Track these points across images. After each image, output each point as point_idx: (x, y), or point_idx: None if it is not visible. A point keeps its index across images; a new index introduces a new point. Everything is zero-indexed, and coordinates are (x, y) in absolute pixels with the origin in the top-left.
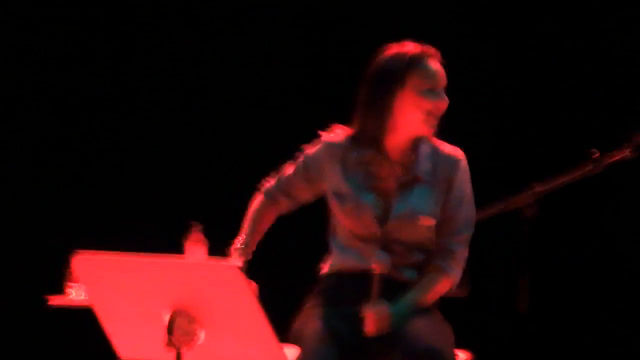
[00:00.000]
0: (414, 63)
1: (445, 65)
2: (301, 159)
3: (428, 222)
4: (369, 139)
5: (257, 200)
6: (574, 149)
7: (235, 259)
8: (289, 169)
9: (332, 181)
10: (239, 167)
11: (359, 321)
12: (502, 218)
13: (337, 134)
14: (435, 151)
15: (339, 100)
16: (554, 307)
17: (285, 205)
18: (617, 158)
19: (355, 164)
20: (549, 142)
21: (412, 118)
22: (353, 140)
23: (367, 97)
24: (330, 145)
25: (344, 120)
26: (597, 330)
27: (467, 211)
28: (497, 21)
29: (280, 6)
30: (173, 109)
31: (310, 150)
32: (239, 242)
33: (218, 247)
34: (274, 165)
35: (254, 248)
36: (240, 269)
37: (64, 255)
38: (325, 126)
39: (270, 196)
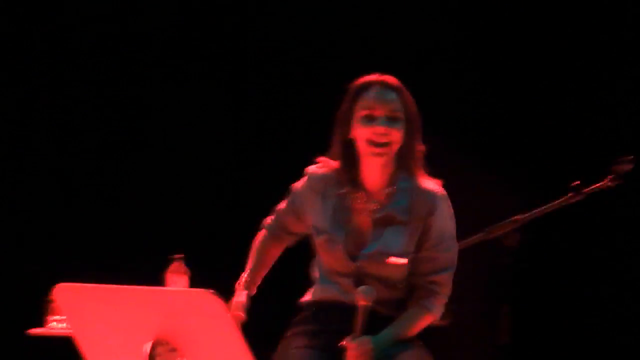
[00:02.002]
0: (358, 93)
1: (412, 94)
2: (290, 194)
3: (398, 262)
4: (347, 172)
5: (259, 236)
6: (556, 180)
7: (239, 294)
8: (282, 205)
9: (313, 214)
10: (221, 199)
11: (338, 352)
12: (484, 247)
13: (321, 167)
14: (415, 187)
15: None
16: (535, 336)
17: (286, 239)
18: (597, 187)
19: (333, 198)
20: (532, 171)
21: (361, 148)
22: (335, 174)
23: (334, 132)
24: (313, 179)
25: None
26: None
27: (448, 249)
28: (478, 54)
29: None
30: (154, 141)
31: (297, 184)
32: (243, 278)
33: (200, 278)
34: (256, 199)
35: (258, 283)
36: (243, 305)
37: (46, 285)
38: (312, 160)
39: (271, 231)
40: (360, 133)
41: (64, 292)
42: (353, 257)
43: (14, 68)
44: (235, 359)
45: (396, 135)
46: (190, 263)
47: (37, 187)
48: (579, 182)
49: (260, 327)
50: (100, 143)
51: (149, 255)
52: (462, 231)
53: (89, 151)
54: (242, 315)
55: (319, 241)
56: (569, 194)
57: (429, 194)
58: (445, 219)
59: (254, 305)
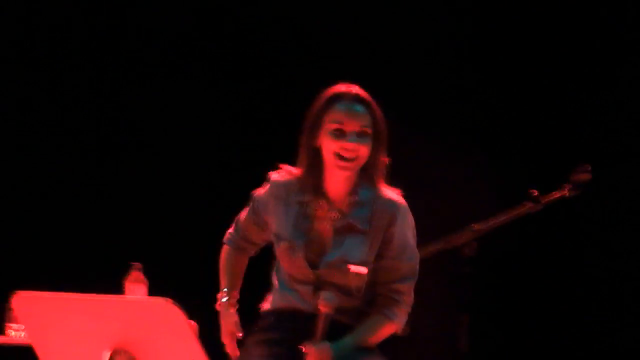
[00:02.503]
0: (328, 104)
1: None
2: (251, 202)
3: (358, 270)
4: (311, 180)
5: (224, 252)
6: (514, 189)
7: (228, 314)
8: (243, 214)
9: (274, 221)
10: (179, 207)
11: (297, 359)
12: (442, 256)
13: (284, 174)
14: (376, 197)
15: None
16: (494, 346)
17: (250, 250)
18: (556, 197)
19: (295, 205)
20: (491, 181)
21: (326, 159)
22: (298, 181)
23: (301, 139)
24: (275, 185)
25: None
26: None
27: (409, 259)
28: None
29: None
30: (115, 147)
31: (259, 191)
32: (221, 297)
33: (158, 287)
34: (215, 207)
35: (238, 297)
36: (237, 322)
37: (4, 294)
38: (273, 167)
39: (233, 245)
40: (328, 145)
41: (22, 301)
42: (313, 265)
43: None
44: None
45: (364, 151)
46: (148, 272)
47: None
48: (536, 191)
49: (218, 335)
50: (60, 149)
51: (108, 264)
52: (420, 239)
53: (48, 158)
54: (240, 333)
55: (279, 248)
56: (527, 203)
57: (390, 204)
58: (406, 229)
59: (212, 312)
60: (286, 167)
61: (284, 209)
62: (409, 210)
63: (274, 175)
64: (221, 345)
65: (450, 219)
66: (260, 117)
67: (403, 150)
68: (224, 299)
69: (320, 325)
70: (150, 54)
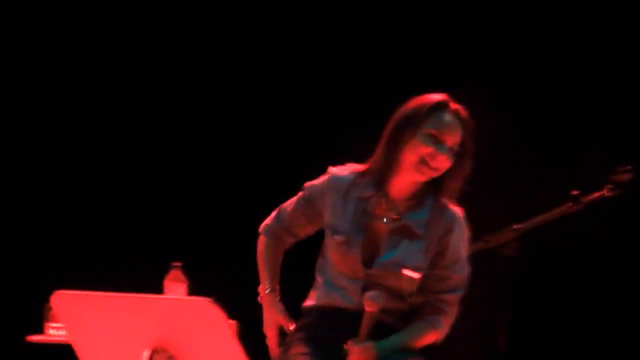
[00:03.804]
0: (433, 110)
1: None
2: (303, 193)
3: (412, 275)
4: (375, 177)
5: (261, 243)
6: (556, 189)
7: (274, 308)
8: (289, 205)
9: (331, 213)
10: (221, 208)
11: (341, 358)
12: (483, 256)
13: (346, 169)
14: (437, 206)
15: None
16: (534, 344)
17: (288, 242)
18: (596, 196)
19: (354, 200)
20: (531, 182)
21: (408, 159)
22: (360, 177)
23: (384, 139)
24: (336, 179)
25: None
26: None
27: (461, 271)
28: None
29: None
30: (150, 147)
31: (315, 182)
32: (264, 288)
33: (198, 286)
34: (254, 208)
35: (279, 288)
36: (286, 314)
37: (44, 293)
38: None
39: (272, 235)
40: (419, 148)
41: (62, 300)
42: (365, 263)
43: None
44: None
45: (447, 166)
46: (188, 271)
47: (36, 194)
48: (578, 191)
49: (259, 335)
50: (99, 149)
51: (148, 263)
52: None
53: (88, 157)
54: (290, 324)
55: (334, 241)
56: (568, 203)
57: (449, 213)
58: (462, 241)
59: (252, 312)
60: (350, 164)
61: (342, 202)
62: (467, 222)
63: (334, 169)
64: (260, 345)
65: (491, 218)
66: (300, 112)
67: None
68: (267, 290)
69: (365, 324)
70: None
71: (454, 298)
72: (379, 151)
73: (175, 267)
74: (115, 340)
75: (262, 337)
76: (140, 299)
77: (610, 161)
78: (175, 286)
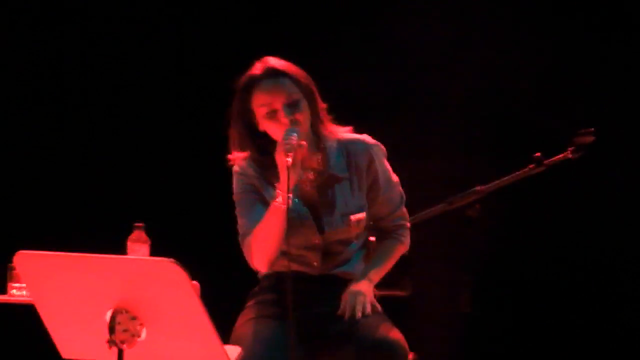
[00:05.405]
0: (248, 91)
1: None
2: (240, 197)
3: (358, 218)
4: (270, 157)
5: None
6: (518, 151)
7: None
8: (244, 218)
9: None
10: (182, 167)
11: (297, 322)
12: (445, 218)
13: (241, 160)
14: (343, 144)
15: None
16: (496, 305)
17: None
18: (558, 159)
19: (271, 182)
20: (494, 144)
21: (276, 138)
22: (256, 163)
23: (235, 127)
24: (244, 174)
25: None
26: (541, 330)
27: (396, 186)
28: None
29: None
30: (117, 107)
31: (236, 185)
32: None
33: (160, 247)
34: (218, 166)
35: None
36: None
37: (6, 253)
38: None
39: None
40: (270, 129)
41: (24, 260)
42: (320, 230)
43: None
44: (195, 327)
45: (303, 117)
46: (151, 232)
47: None
48: (539, 153)
49: (221, 297)
50: (63, 109)
51: (110, 224)
52: (425, 202)
53: (52, 117)
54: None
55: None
56: (530, 166)
57: (359, 145)
58: (382, 160)
59: (214, 273)
60: (235, 155)
61: (266, 189)
62: (373, 139)
63: (235, 168)
64: (222, 306)
65: (454, 181)
66: None
67: (410, 115)
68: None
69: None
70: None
71: (403, 210)
72: (241, 141)
73: (138, 227)
74: (78, 301)
75: (223, 298)
76: (102, 259)
77: (572, 123)
78: (138, 247)
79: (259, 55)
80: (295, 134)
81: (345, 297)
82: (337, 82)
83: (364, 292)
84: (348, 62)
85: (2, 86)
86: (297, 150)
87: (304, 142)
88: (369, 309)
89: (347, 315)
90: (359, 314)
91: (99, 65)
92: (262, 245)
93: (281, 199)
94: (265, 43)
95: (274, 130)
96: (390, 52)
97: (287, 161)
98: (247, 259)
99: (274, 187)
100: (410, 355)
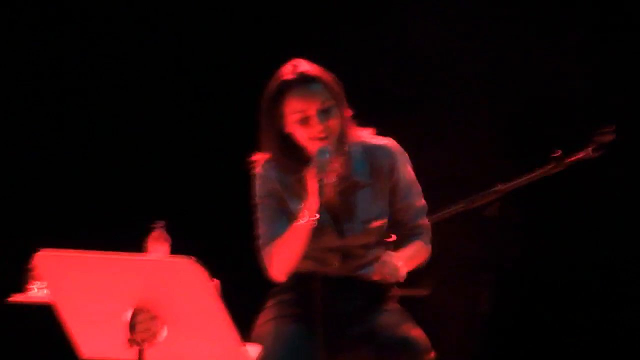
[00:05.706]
0: (282, 94)
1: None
2: (261, 201)
3: (378, 224)
4: (294, 160)
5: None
6: (538, 150)
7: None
8: (262, 225)
9: (290, 203)
10: (203, 167)
11: (316, 321)
12: (465, 217)
13: (264, 163)
14: (367, 148)
15: None
16: (517, 305)
17: None
18: (579, 157)
19: (293, 185)
20: (513, 142)
21: (305, 144)
22: (279, 166)
23: (265, 127)
24: (266, 177)
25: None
26: (561, 330)
27: (418, 193)
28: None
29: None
30: (134, 108)
31: (258, 188)
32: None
33: (181, 246)
34: (238, 168)
35: None
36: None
37: (26, 252)
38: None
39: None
40: (300, 134)
41: (44, 259)
42: (339, 234)
43: None
44: (215, 326)
45: (334, 124)
46: (171, 231)
47: (18, 155)
48: (560, 152)
49: (241, 296)
50: (82, 108)
51: (130, 223)
52: (444, 201)
53: (71, 117)
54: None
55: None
56: (550, 164)
57: (383, 150)
58: (406, 166)
59: (233, 271)
60: (259, 157)
61: (287, 192)
62: (399, 146)
63: (257, 170)
64: (242, 305)
65: (474, 179)
66: None
67: (430, 113)
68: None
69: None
70: None
71: (424, 218)
72: (271, 142)
73: (158, 226)
74: (98, 300)
75: (244, 296)
76: (122, 259)
77: (593, 121)
78: (158, 246)
79: (285, 53)
80: (327, 155)
81: (383, 259)
82: (356, 79)
83: (396, 264)
84: (365, 59)
85: (25, 85)
86: (329, 173)
87: (336, 164)
88: (401, 278)
89: (379, 277)
90: (390, 278)
91: (114, 60)
92: (283, 259)
93: (307, 220)
94: (267, 43)
95: (304, 136)
96: (411, 49)
97: (318, 182)
98: (264, 267)
99: (298, 199)
100: (432, 354)
